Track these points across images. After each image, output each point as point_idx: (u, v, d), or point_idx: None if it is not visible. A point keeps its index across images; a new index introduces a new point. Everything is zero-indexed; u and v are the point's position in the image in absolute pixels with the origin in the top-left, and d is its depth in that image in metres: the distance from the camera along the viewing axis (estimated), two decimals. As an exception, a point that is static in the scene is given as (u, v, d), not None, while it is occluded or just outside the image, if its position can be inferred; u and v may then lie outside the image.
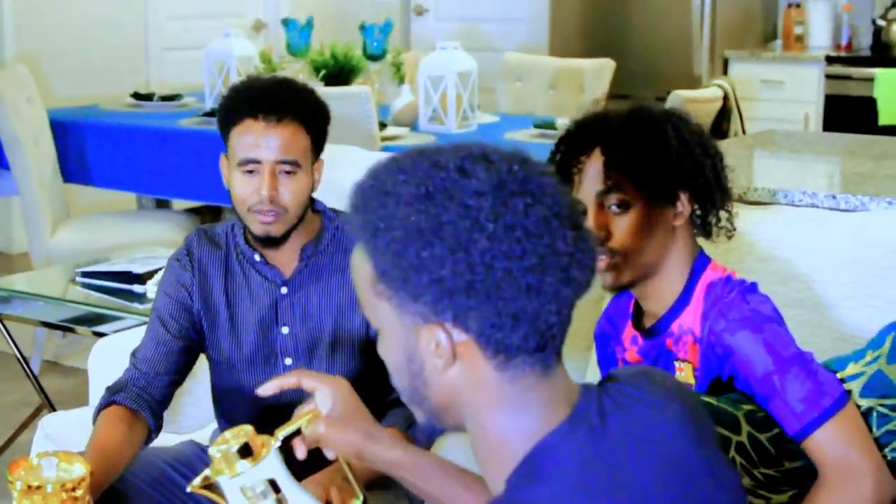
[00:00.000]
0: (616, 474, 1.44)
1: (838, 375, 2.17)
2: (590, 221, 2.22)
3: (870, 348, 2.21)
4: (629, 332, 2.36)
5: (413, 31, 8.42)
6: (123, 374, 2.68)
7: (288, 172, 2.53)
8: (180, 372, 2.70)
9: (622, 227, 2.21)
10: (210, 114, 5.45)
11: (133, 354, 2.71)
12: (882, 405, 2.15)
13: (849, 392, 2.13)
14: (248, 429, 1.82)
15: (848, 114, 6.62)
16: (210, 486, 1.82)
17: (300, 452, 1.91)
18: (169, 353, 2.66)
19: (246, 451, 1.79)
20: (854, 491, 2.04)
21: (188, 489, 1.83)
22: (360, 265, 1.49)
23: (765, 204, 3.33)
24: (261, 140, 2.51)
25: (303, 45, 5.93)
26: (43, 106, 5.50)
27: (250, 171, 2.53)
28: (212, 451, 1.79)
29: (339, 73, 5.55)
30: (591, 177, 2.23)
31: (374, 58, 5.88)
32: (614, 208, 2.21)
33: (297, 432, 1.91)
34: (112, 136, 5.55)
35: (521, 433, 1.47)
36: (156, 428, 2.63)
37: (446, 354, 1.45)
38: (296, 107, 2.55)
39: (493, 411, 1.47)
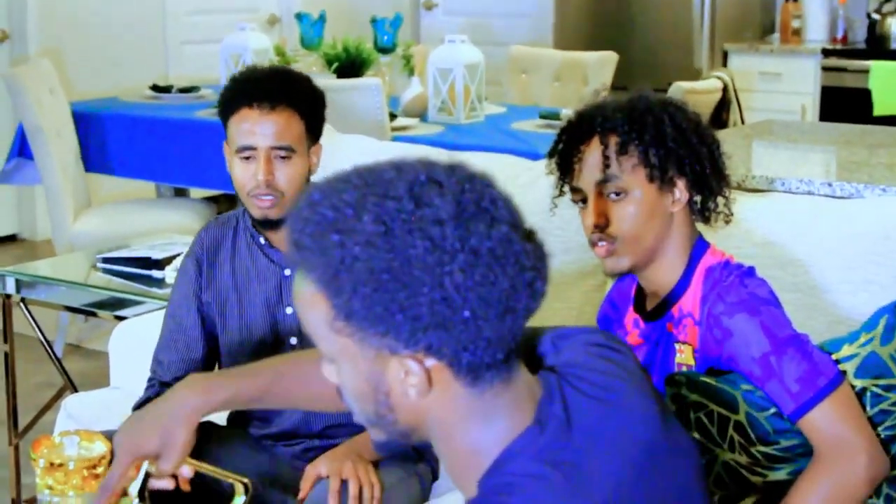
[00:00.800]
0: (583, 468, 1.41)
1: (833, 357, 2.16)
2: (589, 208, 2.24)
3: (864, 330, 2.21)
4: (631, 315, 2.37)
5: (422, 25, 8.39)
6: (150, 387, 2.73)
7: (283, 157, 2.58)
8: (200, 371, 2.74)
9: (621, 214, 2.22)
10: (226, 105, 5.56)
11: (153, 370, 2.76)
12: (876, 385, 2.16)
13: (843, 372, 2.13)
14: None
15: (843, 105, 6.63)
16: None
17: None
18: (188, 349, 2.73)
19: None
20: (848, 467, 2.05)
21: None
22: (313, 304, 1.41)
23: (762, 191, 3.31)
24: (256, 127, 2.56)
25: (315, 39, 5.92)
26: (65, 98, 5.51)
27: (247, 158, 2.58)
28: None
29: (351, 65, 5.56)
30: (590, 165, 2.24)
31: (384, 51, 5.88)
32: (613, 196, 2.22)
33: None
34: (132, 127, 5.58)
35: (490, 441, 1.44)
36: None
37: (420, 382, 1.40)
38: (289, 94, 2.59)
39: (463, 425, 1.44)
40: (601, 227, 2.23)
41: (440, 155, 3.09)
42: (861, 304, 2.61)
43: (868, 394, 2.16)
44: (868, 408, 2.15)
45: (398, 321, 1.36)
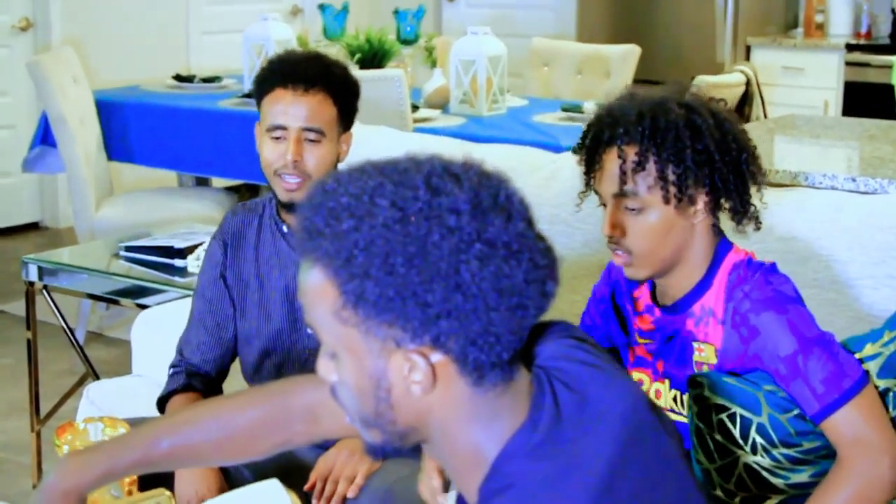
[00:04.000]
0: (575, 455, 1.42)
1: (856, 356, 2.15)
2: (606, 217, 2.20)
3: (887, 328, 2.19)
4: (645, 298, 2.34)
5: (445, 17, 8.39)
6: (175, 374, 2.75)
7: (313, 140, 2.58)
8: (228, 355, 2.78)
9: (637, 228, 2.18)
10: (249, 95, 5.48)
11: (179, 352, 2.78)
12: None
13: (867, 373, 2.12)
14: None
15: (866, 101, 6.60)
16: None
17: None
18: (218, 328, 2.75)
19: None
20: (872, 469, 2.04)
21: None
22: (321, 290, 1.39)
23: (786, 186, 3.32)
24: (289, 108, 2.57)
25: (338, 30, 5.95)
26: (89, 87, 5.54)
27: (277, 138, 2.59)
28: None
29: (374, 56, 5.58)
30: (609, 175, 2.19)
31: (407, 42, 5.91)
32: (629, 209, 2.18)
33: None
34: (154, 117, 5.61)
35: (492, 440, 1.43)
36: None
37: (425, 379, 1.39)
38: (325, 78, 2.60)
39: (466, 425, 1.43)
40: (615, 239, 2.20)
41: (458, 148, 3.10)
42: (883, 299, 2.61)
43: (891, 394, 2.15)
44: (891, 408, 2.14)
45: (409, 308, 1.35)
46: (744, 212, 2.23)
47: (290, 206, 2.66)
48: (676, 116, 2.17)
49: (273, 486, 2.07)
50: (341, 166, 2.66)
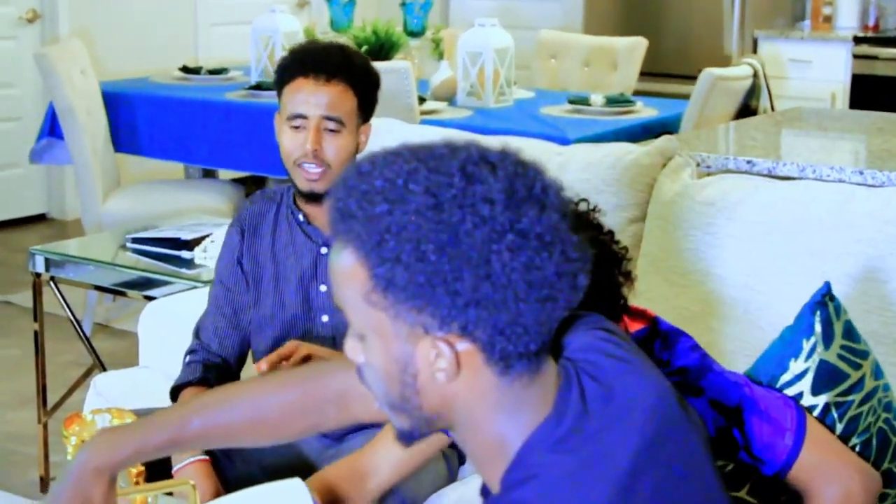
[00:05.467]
0: (600, 449, 1.41)
1: (784, 378, 2.11)
2: None
3: (803, 337, 2.15)
4: None
5: (452, 9, 8.39)
6: (191, 362, 2.75)
7: (332, 130, 2.60)
8: (246, 342, 2.78)
9: None
10: (256, 87, 5.53)
11: (196, 335, 2.78)
12: (836, 395, 2.11)
13: (800, 395, 2.07)
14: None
15: (874, 93, 6.60)
16: None
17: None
18: (235, 314, 2.75)
19: None
20: (845, 496, 1.99)
21: None
22: (351, 273, 1.39)
23: (793, 179, 3.29)
24: (310, 97, 2.59)
25: (345, 22, 5.93)
26: (96, 78, 5.54)
27: (297, 127, 2.61)
28: None
29: (381, 48, 5.58)
30: None
31: (414, 34, 5.89)
32: None
33: None
34: (161, 108, 5.60)
35: (516, 431, 1.42)
36: None
37: (450, 366, 1.38)
38: (346, 69, 2.62)
39: (491, 414, 1.42)
40: None
41: (490, 140, 3.08)
42: (892, 292, 2.61)
43: (832, 408, 2.12)
44: (837, 423, 2.11)
45: (438, 295, 1.35)
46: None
47: (308, 196, 2.67)
48: None
49: (296, 485, 2.07)
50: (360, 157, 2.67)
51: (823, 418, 2.11)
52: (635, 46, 6.24)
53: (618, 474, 1.40)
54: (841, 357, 2.14)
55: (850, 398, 2.12)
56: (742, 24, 7.08)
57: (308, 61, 2.62)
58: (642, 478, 1.42)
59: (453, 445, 2.68)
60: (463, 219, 1.34)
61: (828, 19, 7.25)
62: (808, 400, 2.11)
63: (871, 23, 7.19)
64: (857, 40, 6.91)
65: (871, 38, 6.99)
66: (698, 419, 1.57)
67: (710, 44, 7.11)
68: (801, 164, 3.54)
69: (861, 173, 3.43)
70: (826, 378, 2.12)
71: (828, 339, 2.14)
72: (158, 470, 2.47)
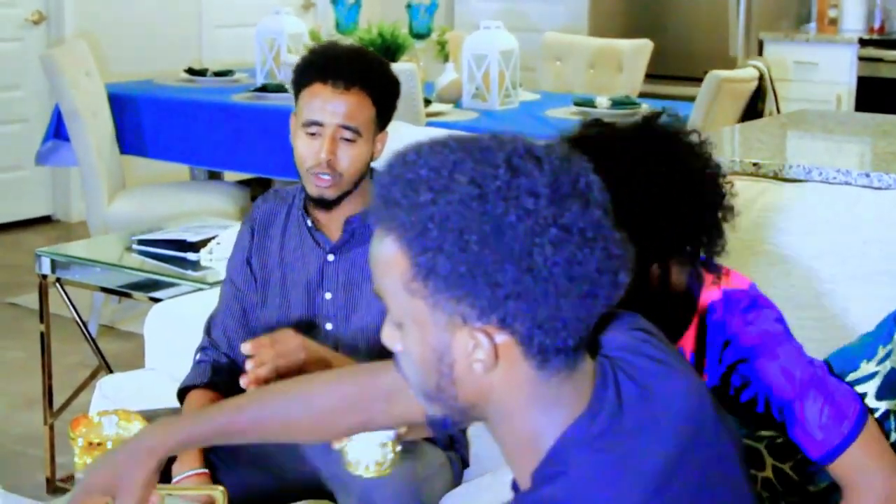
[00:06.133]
0: (633, 449, 1.41)
1: (852, 377, 2.11)
2: None
3: (880, 343, 2.14)
4: None
5: (457, 11, 8.38)
6: (201, 362, 2.73)
7: (348, 139, 2.55)
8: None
9: None
10: (262, 89, 5.54)
11: (207, 331, 2.77)
12: None
13: (864, 404, 2.06)
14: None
15: (880, 96, 6.59)
16: None
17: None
18: (244, 314, 2.74)
19: None
20: (884, 498, 1.99)
21: None
22: (393, 260, 1.40)
23: (799, 181, 3.29)
24: (327, 105, 2.54)
25: (351, 24, 5.95)
26: (101, 80, 5.55)
27: (313, 134, 2.56)
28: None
29: (386, 50, 5.55)
30: None
31: (419, 36, 5.89)
32: None
33: None
34: (167, 110, 5.62)
35: (550, 426, 1.42)
36: None
37: (487, 358, 1.39)
38: (365, 77, 2.56)
39: (526, 408, 1.43)
40: None
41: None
42: (897, 295, 2.63)
43: (892, 416, 2.12)
44: (893, 431, 2.11)
45: (479, 286, 1.35)
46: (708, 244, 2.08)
47: (318, 202, 2.64)
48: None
49: None
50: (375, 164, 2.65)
51: (882, 423, 2.09)
52: (641, 49, 6.25)
53: (650, 475, 1.40)
54: None
55: None
56: (747, 27, 7.07)
57: (327, 66, 2.57)
58: (674, 480, 1.42)
59: (455, 448, 2.70)
60: (507, 211, 1.35)
61: (833, 21, 7.24)
62: (870, 402, 2.10)
63: (876, 25, 7.17)
64: (863, 42, 6.90)
65: (877, 40, 6.99)
66: (734, 424, 1.57)
67: (716, 46, 7.10)
68: (807, 166, 3.51)
69: (867, 176, 3.41)
70: (893, 385, 2.11)
71: None
72: (169, 472, 2.48)
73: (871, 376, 2.12)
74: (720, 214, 2.06)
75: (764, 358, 2.05)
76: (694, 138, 2.08)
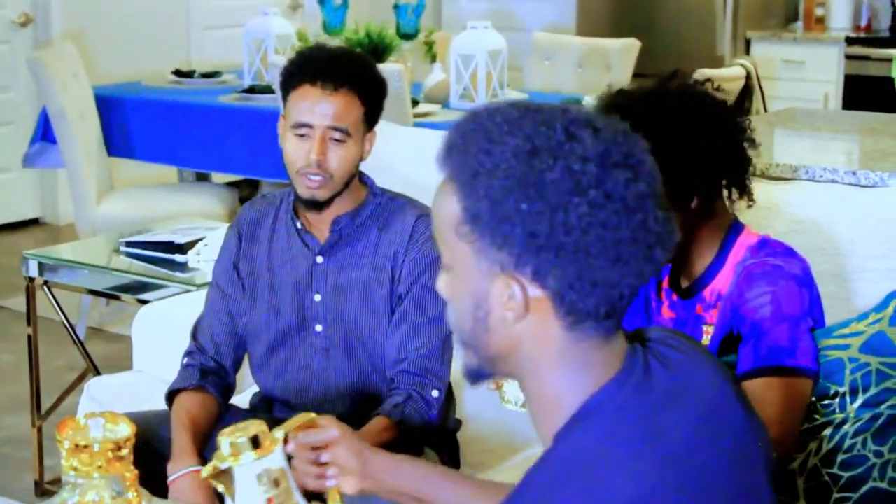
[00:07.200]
0: (656, 424, 1.44)
1: (840, 332, 2.19)
2: None
3: (874, 311, 2.23)
4: (664, 283, 2.38)
5: (444, 11, 8.38)
6: (188, 365, 2.73)
7: (337, 140, 2.56)
8: (242, 346, 2.77)
9: None
10: (249, 90, 5.54)
11: (194, 336, 2.77)
12: (882, 364, 2.18)
13: (848, 347, 2.15)
14: (259, 423, 1.84)
15: (867, 93, 6.60)
16: (219, 474, 1.84)
17: (289, 447, 1.88)
18: (231, 318, 2.74)
19: (254, 444, 1.81)
20: None
21: (202, 476, 1.87)
22: (446, 204, 1.47)
23: (786, 179, 3.33)
24: (315, 106, 2.55)
25: (338, 24, 5.94)
26: (88, 82, 5.53)
27: (302, 135, 2.57)
28: (220, 439, 1.82)
29: (374, 51, 5.55)
30: None
31: (407, 37, 5.90)
32: None
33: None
34: (154, 112, 5.61)
35: (575, 390, 1.46)
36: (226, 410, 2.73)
37: (519, 307, 1.44)
38: (353, 77, 2.58)
39: (553, 368, 1.47)
40: None
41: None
42: (884, 292, 2.53)
43: (874, 371, 2.17)
44: (873, 385, 2.17)
45: (517, 234, 1.41)
46: (741, 186, 2.31)
47: (308, 203, 2.65)
48: (668, 123, 2.19)
49: None
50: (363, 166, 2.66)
51: (863, 375, 2.18)
52: (628, 48, 6.25)
53: (666, 452, 1.43)
54: None
55: (893, 374, 2.18)
56: (734, 26, 7.10)
57: (315, 68, 2.58)
58: (685, 463, 1.44)
59: (437, 449, 2.70)
60: (552, 167, 1.41)
61: (820, 20, 7.27)
62: (853, 353, 2.19)
63: (863, 23, 7.21)
64: (850, 41, 6.93)
65: (864, 38, 7.02)
66: (761, 423, 1.59)
67: (703, 45, 7.13)
68: (795, 164, 3.54)
69: (854, 174, 3.43)
70: (877, 345, 2.19)
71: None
72: (155, 476, 2.47)
73: (858, 333, 2.21)
74: (746, 144, 2.29)
75: (764, 282, 2.17)
76: (707, 85, 2.29)
